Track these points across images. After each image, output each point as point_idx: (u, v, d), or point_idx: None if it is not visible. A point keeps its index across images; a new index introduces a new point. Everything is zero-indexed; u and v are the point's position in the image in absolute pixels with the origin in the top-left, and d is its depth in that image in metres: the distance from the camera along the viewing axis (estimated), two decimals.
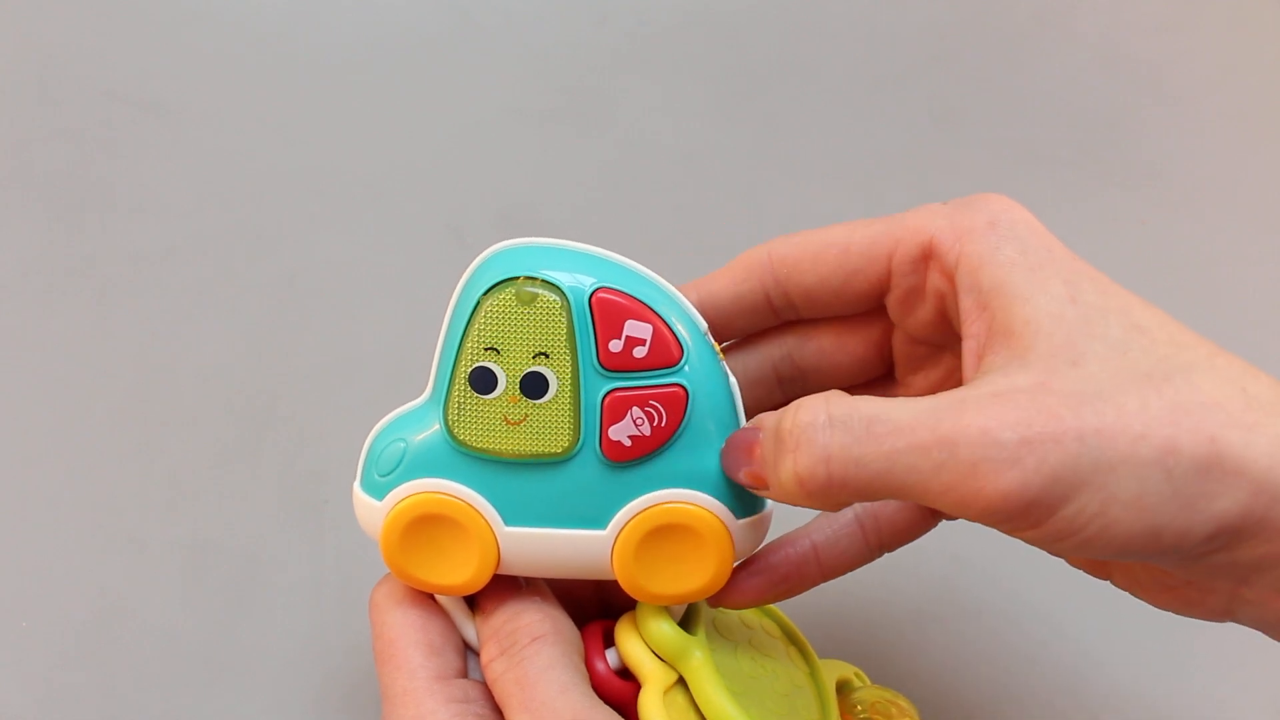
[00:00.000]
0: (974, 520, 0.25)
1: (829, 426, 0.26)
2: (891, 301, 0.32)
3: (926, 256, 0.30)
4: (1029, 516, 0.24)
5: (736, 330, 0.33)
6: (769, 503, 0.31)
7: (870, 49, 0.63)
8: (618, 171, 0.56)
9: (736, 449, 0.29)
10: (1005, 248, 0.28)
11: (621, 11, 0.62)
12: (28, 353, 0.47)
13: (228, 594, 0.42)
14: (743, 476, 0.29)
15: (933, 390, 0.33)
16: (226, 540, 0.43)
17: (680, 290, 0.31)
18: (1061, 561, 0.42)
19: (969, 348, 0.28)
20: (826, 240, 0.32)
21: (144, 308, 0.48)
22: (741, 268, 0.33)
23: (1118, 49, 0.65)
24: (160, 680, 0.40)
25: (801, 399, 0.27)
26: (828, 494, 0.26)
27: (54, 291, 0.49)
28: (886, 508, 0.33)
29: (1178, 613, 0.29)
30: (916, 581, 0.45)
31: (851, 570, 0.33)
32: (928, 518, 0.33)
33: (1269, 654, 0.43)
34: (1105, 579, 0.30)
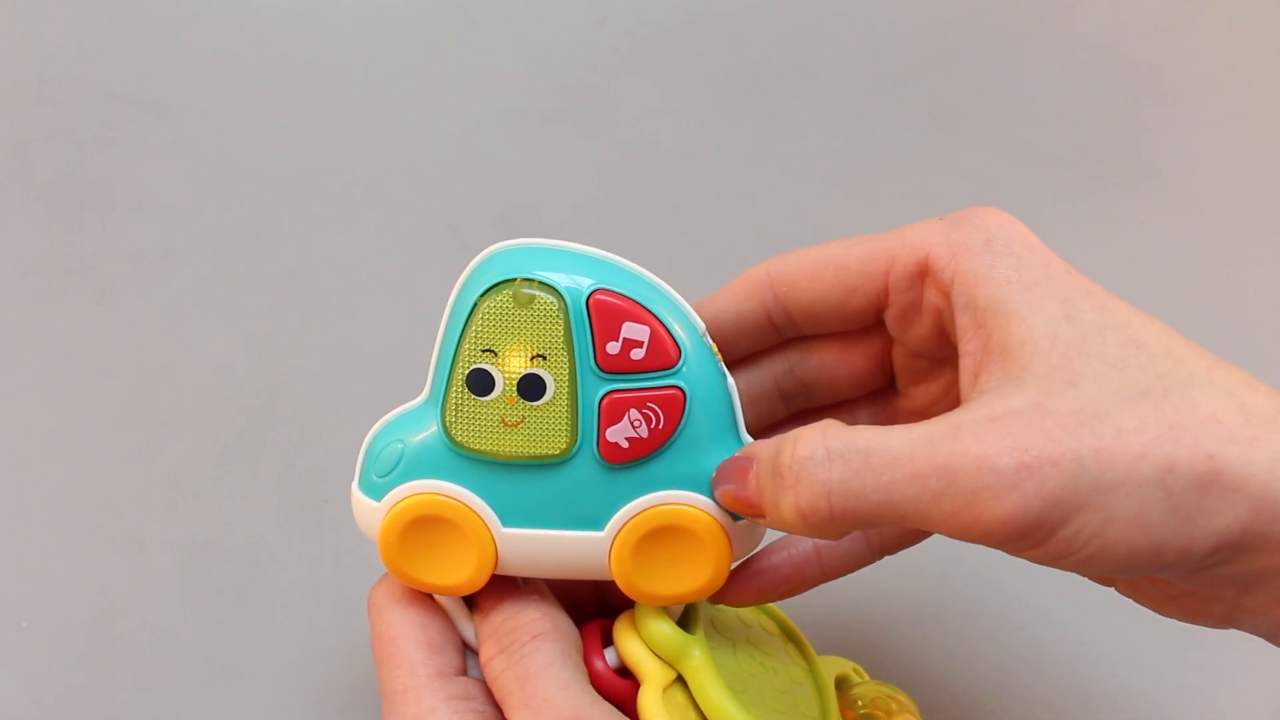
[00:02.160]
0: (975, 543, 0.25)
1: (828, 461, 0.26)
2: (890, 317, 0.32)
3: (923, 273, 0.30)
4: (1029, 539, 0.25)
5: (740, 349, 0.34)
6: None
7: (870, 49, 0.63)
8: (618, 172, 0.56)
9: (731, 478, 0.29)
10: (1001, 265, 0.28)
11: (621, 11, 0.62)
12: (28, 353, 0.47)
13: (228, 594, 0.42)
14: (738, 506, 0.29)
15: (934, 402, 0.33)
16: (226, 540, 0.43)
17: None
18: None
19: (965, 365, 0.28)
20: (823, 258, 0.32)
21: (144, 308, 0.49)
22: (741, 287, 0.33)
23: (1118, 49, 0.65)
24: (160, 680, 0.40)
25: (798, 431, 0.27)
26: (830, 526, 0.26)
27: (54, 291, 0.49)
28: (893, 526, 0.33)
29: (1180, 620, 0.29)
30: (915, 582, 0.45)
31: (852, 571, 0.33)
32: None
33: (1268, 655, 0.43)
34: (1108, 585, 0.30)
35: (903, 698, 0.34)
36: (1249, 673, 0.44)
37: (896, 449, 0.25)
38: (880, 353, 0.34)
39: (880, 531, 0.33)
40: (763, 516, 0.28)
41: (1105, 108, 0.62)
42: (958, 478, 0.24)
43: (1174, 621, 0.39)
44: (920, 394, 0.34)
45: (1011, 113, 0.61)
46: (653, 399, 0.29)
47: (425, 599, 0.31)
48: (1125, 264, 0.56)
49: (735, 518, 0.30)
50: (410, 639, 0.30)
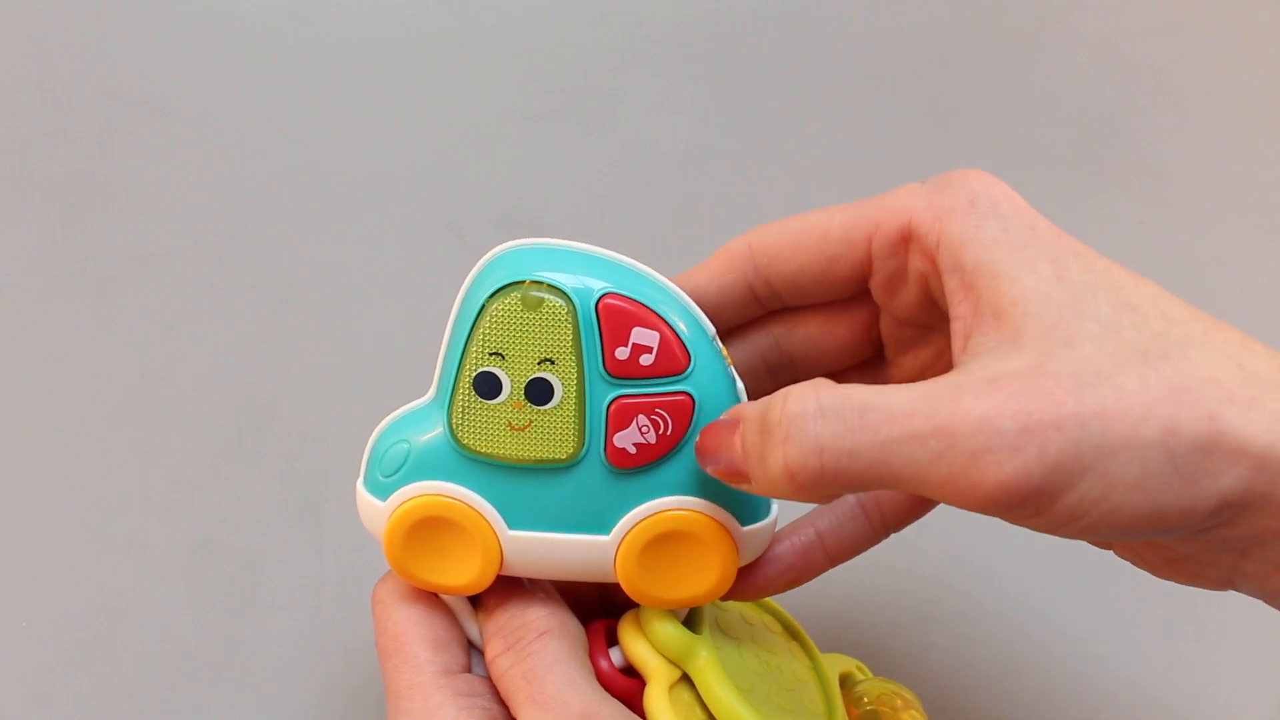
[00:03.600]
0: (973, 510, 0.25)
1: (820, 416, 0.25)
2: (875, 285, 0.31)
3: (906, 239, 0.29)
4: (1031, 505, 0.24)
5: (723, 323, 0.33)
6: (773, 510, 0.31)
7: (870, 49, 0.63)
8: (618, 171, 0.56)
9: (716, 440, 0.28)
10: (987, 226, 0.27)
11: (621, 11, 0.62)
12: (28, 353, 0.47)
13: (228, 594, 0.42)
14: (721, 469, 0.28)
15: (924, 370, 0.33)
16: (227, 540, 0.43)
17: None
18: (1061, 562, 0.42)
19: (956, 329, 0.28)
20: (805, 227, 0.31)
21: (144, 308, 0.48)
22: (723, 260, 0.32)
23: (1118, 49, 0.65)
24: (160, 680, 0.40)
25: (788, 388, 0.27)
26: (819, 486, 0.25)
27: (54, 291, 0.48)
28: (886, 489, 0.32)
29: (1179, 582, 0.29)
30: (915, 581, 0.45)
31: (858, 554, 0.33)
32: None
33: (1269, 653, 0.43)
34: (1106, 549, 0.30)
35: (907, 694, 0.34)
36: (1250, 671, 0.44)
37: (894, 407, 0.25)
38: (867, 322, 0.33)
39: (881, 507, 0.32)
40: (748, 481, 0.27)
41: (1105, 108, 0.62)
42: (958, 439, 0.24)
43: (1174, 620, 0.39)
44: (910, 362, 0.33)
45: (1011, 113, 0.61)
46: (661, 405, 0.29)
47: (430, 596, 0.31)
48: (1125, 264, 0.56)
49: (742, 522, 0.30)
50: (416, 636, 0.30)
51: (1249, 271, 0.56)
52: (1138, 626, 0.44)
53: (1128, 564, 0.30)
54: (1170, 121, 0.62)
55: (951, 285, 0.28)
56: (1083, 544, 0.29)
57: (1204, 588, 0.28)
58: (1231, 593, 0.28)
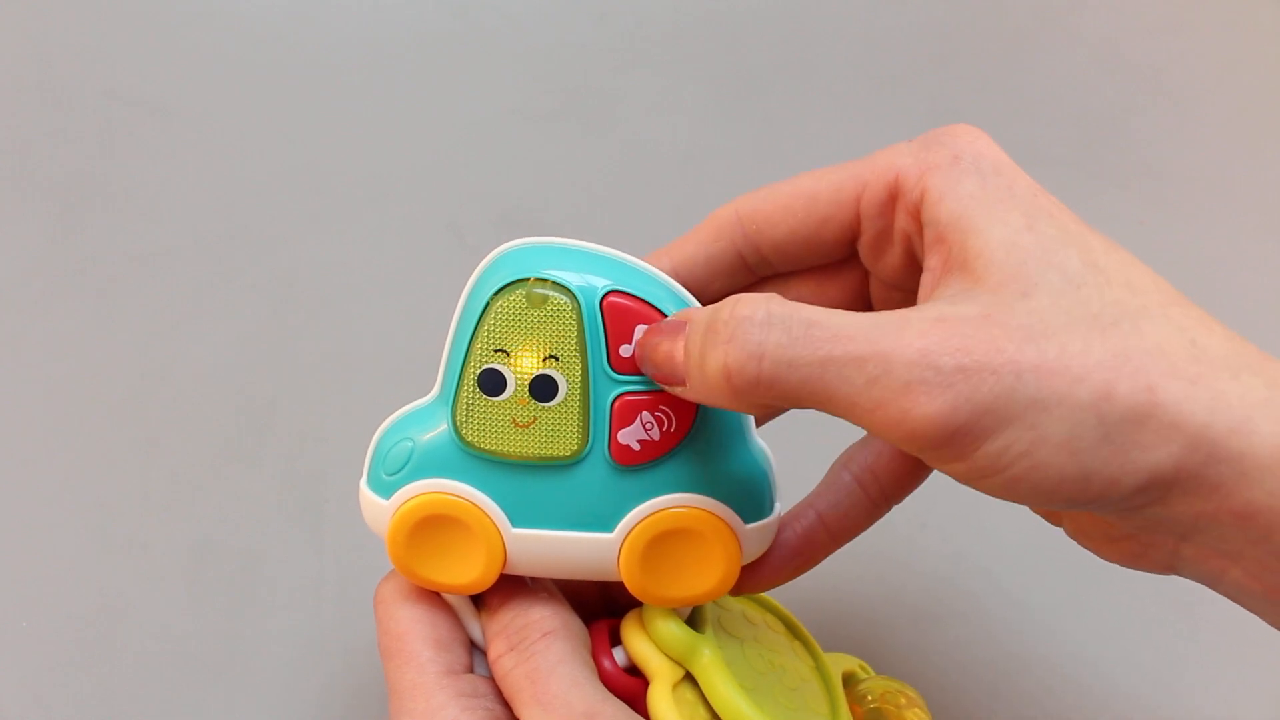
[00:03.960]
0: (898, 444, 0.25)
1: (767, 324, 0.25)
2: (863, 246, 0.31)
3: (893, 197, 0.29)
4: (953, 446, 0.24)
5: (714, 292, 0.33)
6: (776, 508, 0.31)
7: (870, 49, 0.63)
8: (618, 171, 0.56)
9: (659, 338, 0.28)
10: (966, 181, 0.27)
11: (621, 11, 0.62)
12: (28, 353, 0.47)
13: (228, 594, 0.42)
14: (661, 369, 0.28)
15: None
16: (227, 540, 0.43)
17: (651, 257, 0.31)
18: (1062, 562, 0.42)
19: (925, 280, 0.28)
20: (794, 191, 0.31)
21: (144, 308, 0.48)
22: (711, 228, 0.32)
23: (1118, 49, 0.65)
24: (160, 680, 0.40)
25: (740, 294, 0.27)
26: (754, 391, 0.25)
27: (54, 292, 0.48)
28: (880, 459, 0.32)
29: (1124, 565, 0.29)
30: (916, 581, 0.45)
31: (860, 531, 0.33)
32: (923, 463, 0.32)
33: (1268, 654, 0.43)
34: (1057, 525, 0.30)
35: (911, 692, 0.34)
36: (1248, 672, 0.44)
37: (839, 327, 0.25)
38: (857, 286, 0.33)
39: (878, 478, 0.32)
40: (684, 384, 0.27)
41: (1105, 108, 0.62)
42: (894, 367, 0.24)
43: (1173, 620, 0.39)
44: None
45: (1011, 113, 0.61)
46: (665, 401, 0.29)
47: (433, 596, 0.31)
48: None
49: (746, 520, 0.30)
50: (419, 635, 0.30)
51: (1249, 271, 0.57)
52: (1137, 626, 0.44)
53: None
54: (1170, 121, 0.62)
55: (928, 238, 0.28)
56: None
57: (1148, 570, 0.28)
58: None
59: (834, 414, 0.25)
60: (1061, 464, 0.24)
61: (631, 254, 0.30)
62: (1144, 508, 0.25)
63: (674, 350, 0.27)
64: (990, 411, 0.23)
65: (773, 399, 0.26)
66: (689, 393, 0.27)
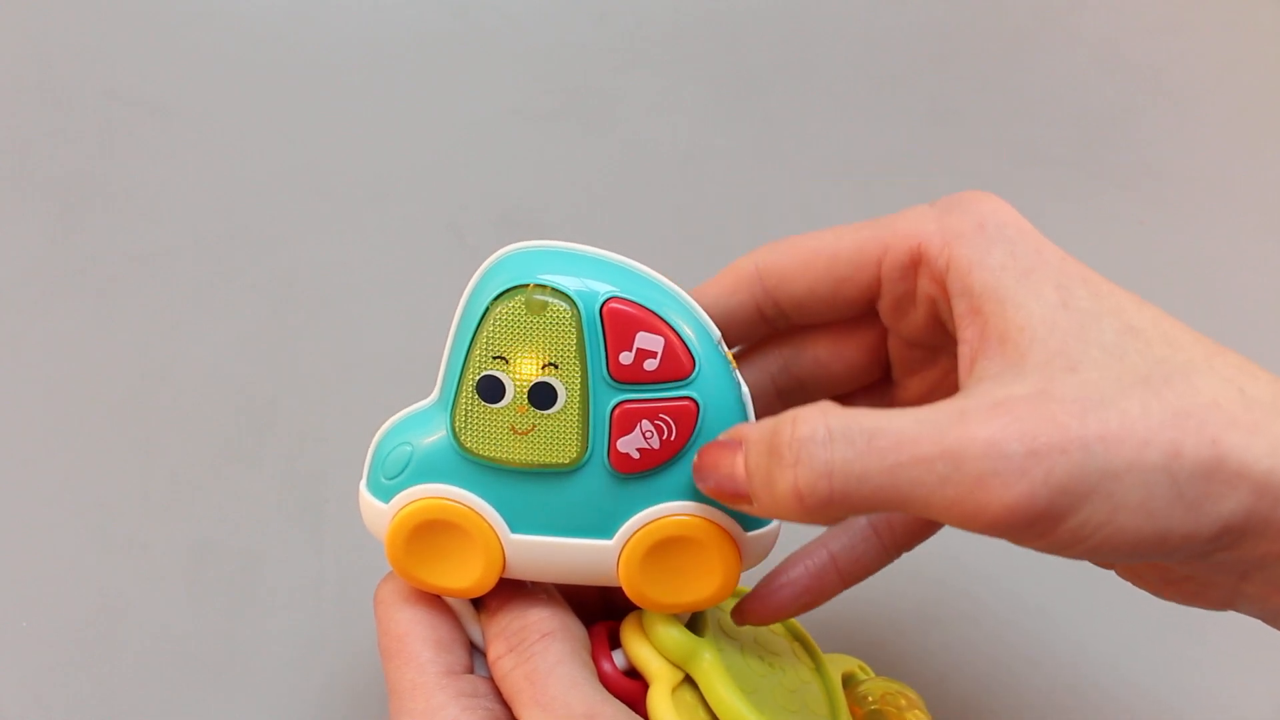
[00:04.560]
0: (980, 532, 0.25)
1: (829, 441, 0.25)
2: (883, 307, 0.32)
3: (916, 262, 0.30)
4: (1036, 528, 0.24)
5: (730, 344, 0.33)
6: None
7: (870, 49, 0.63)
8: (618, 172, 0.56)
9: (716, 460, 0.28)
10: (995, 251, 0.28)
11: (621, 11, 0.62)
12: (28, 353, 0.47)
13: (228, 594, 0.42)
14: (724, 489, 0.28)
15: (931, 392, 0.33)
16: (227, 540, 0.43)
17: None
18: (1062, 563, 0.42)
19: (963, 353, 0.28)
20: (814, 248, 0.31)
21: (144, 308, 0.48)
22: (730, 280, 0.32)
23: (1118, 49, 0.65)
24: (160, 680, 0.40)
25: (795, 410, 0.27)
26: (828, 509, 0.26)
27: (54, 291, 0.48)
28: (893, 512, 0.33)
29: (1180, 603, 0.29)
30: (916, 582, 0.45)
31: (870, 575, 0.33)
32: None
33: (1268, 653, 0.44)
34: (1109, 569, 0.30)
35: (911, 693, 0.34)
36: (1249, 671, 0.44)
37: (901, 431, 0.25)
38: (875, 343, 0.33)
39: (893, 528, 0.33)
40: (748, 502, 0.27)
41: (1105, 108, 0.62)
42: (965, 463, 0.24)
43: (1176, 623, 0.39)
44: (917, 384, 0.33)
45: (1011, 113, 0.61)
46: (665, 410, 0.29)
47: (433, 597, 0.31)
48: (1125, 264, 0.56)
49: (745, 528, 0.30)
50: (419, 636, 0.30)
51: (1249, 271, 0.57)
52: (1139, 627, 0.44)
53: None
54: (1170, 121, 0.62)
55: (960, 309, 0.28)
56: None
57: (1204, 608, 0.28)
58: None
59: (913, 514, 0.26)
60: (1139, 526, 0.24)
61: (632, 256, 0.30)
62: (1214, 554, 0.25)
63: (734, 471, 0.28)
64: (1067, 490, 0.24)
65: (847, 512, 0.26)
66: (757, 509, 0.27)
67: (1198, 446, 0.24)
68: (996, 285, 0.27)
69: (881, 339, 0.33)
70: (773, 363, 0.34)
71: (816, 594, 0.32)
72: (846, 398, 0.35)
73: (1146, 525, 0.24)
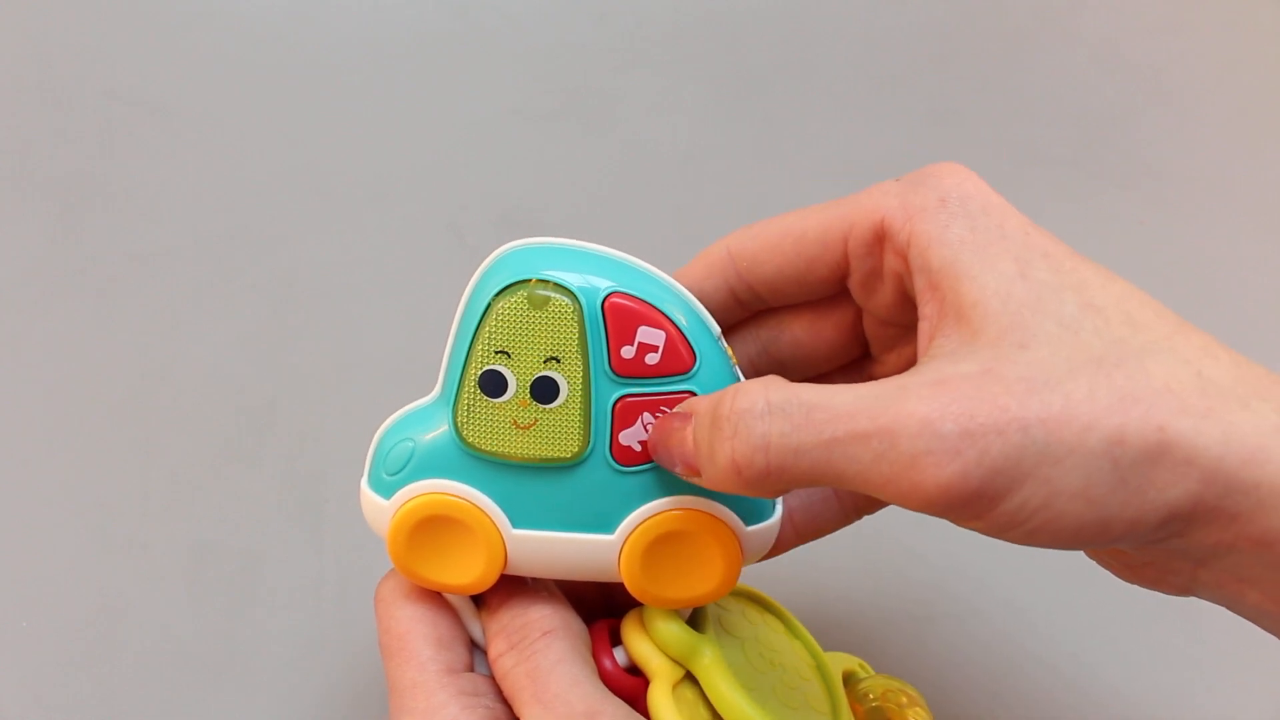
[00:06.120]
0: (915, 510, 0.25)
1: (768, 413, 0.25)
2: (853, 284, 0.31)
3: (880, 238, 0.29)
4: (971, 509, 0.24)
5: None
6: (778, 510, 0.31)
7: (870, 49, 0.63)
8: (618, 171, 0.56)
9: (668, 432, 0.28)
10: (955, 226, 0.27)
11: (621, 11, 0.62)
12: (28, 353, 0.47)
13: (228, 594, 0.42)
14: (674, 462, 0.28)
15: (909, 366, 0.33)
16: (227, 540, 0.43)
17: None
18: (1061, 562, 0.42)
19: (922, 329, 0.28)
20: (781, 229, 0.31)
21: (144, 308, 0.48)
22: (702, 266, 0.32)
23: (1118, 49, 0.65)
24: (160, 680, 0.40)
25: (739, 384, 0.27)
26: (765, 482, 0.26)
27: (54, 291, 0.48)
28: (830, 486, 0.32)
29: (1143, 587, 0.29)
30: (913, 582, 0.45)
31: (827, 534, 0.33)
32: None
33: (1267, 654, 0.43)
34: (1076, 549, 0.30)
35: (911, 691, 0.34)
36: (1247, 672, 0.44)
37: (839, 406, 0.25)
38: (851, 322, 0.33)
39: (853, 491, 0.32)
40: (699, 475, 0.27)
41: (1105, 108, 0.62)
42: (899, 440, 0.24)
43: (1174, 619, 0.39)
44: (894, 360, 0.33)
45: (1011, 113, 0.61)
46: (667, 404, 0.29)
47: (433, 595, 0.31)
48: (1124, 264, 0.56)
49: (747, 522, 0.30)
50: (419, 634, 0.30)
51: (1249, 271, 0.57)
52: (1137, 626, 0.44)
53: None
54: (1170, 121, 0.62)
55: (919, 285, 0.28)
56: None
57: (1166, 593, 0.28)
58: None
59: (850, 490, 0.25)
60: (1079, 512, 0.24)
61: (632, 255, 0.30)
62: (1164, 541, 0.25)
63: (684, 443, 0.27)
64: (1001, 472, 0.23)
65: (785, 485, 0.26)
66: (705, 482, 0.27)
67: (1143, 432, 0.23)
68: (954, 260, 0.27)
69: (857, 317, 0.33)
70: (751, 345, 0.34)
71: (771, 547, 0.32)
72: (827, 376, 0.35)
73: (1087, 511, 0.24)
